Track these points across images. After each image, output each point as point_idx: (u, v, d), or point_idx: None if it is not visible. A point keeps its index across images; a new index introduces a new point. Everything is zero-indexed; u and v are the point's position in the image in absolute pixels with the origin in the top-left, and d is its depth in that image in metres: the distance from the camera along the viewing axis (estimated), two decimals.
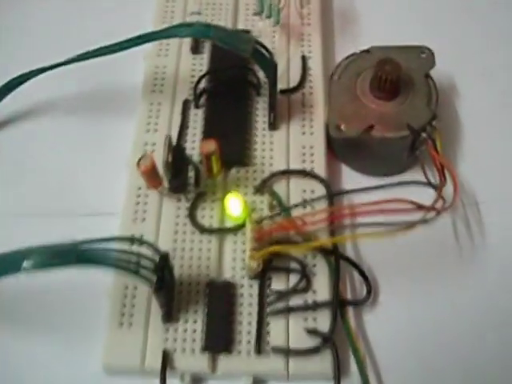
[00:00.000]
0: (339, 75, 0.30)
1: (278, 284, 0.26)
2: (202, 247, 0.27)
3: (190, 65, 0.33)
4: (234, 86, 0.31)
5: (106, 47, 0.27)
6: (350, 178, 0.30)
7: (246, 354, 0.25)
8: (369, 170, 0.30)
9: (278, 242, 0.26)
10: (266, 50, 0.27)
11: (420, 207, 0.24)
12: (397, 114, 0.28)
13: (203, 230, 0.28)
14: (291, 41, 0.33)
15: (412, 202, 0.24)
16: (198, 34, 0.25)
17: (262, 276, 0.26)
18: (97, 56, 0.27)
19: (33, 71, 0.30)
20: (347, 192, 0.28)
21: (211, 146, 0.26)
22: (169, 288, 0.25)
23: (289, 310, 0.26)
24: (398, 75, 0.27)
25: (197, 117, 0.31)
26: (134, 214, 0.28)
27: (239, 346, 0.25)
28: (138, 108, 0.31)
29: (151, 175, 0.26)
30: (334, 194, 0.28)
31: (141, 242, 0.24)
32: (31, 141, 0.32)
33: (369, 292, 0.27)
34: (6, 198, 0.31)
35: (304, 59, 0.32)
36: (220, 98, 0.31)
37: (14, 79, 0.31)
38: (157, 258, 0.23)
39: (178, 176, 0.27)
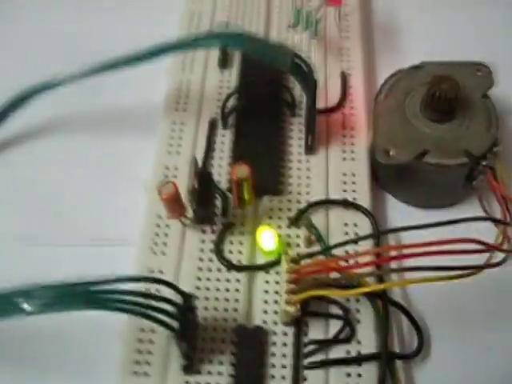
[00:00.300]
0: (385, 94, 0.27)
1: (316, 332, 0.23)
2: (229, 287, 0.24)
3: (217, 81, 0.30)
4: (266, 104, 0.28)
5: (123, 59, 0.24)
6: (396, 209, 0.27)
7: None
8: (417, 200, 0.27)
9: (318, 283, 0.22)
10: (306, 64, 0.24)
11: (489, 247, 0.21)
12: (453, 138, 0.25)
13: (231, 266, 0.24)
14: (329, 56, 0.30)
15: (480, 242, 0.20)
16: (231, 44, 0.23)
17: (298, 322, 0.23)
18: (113, 69, 0.25)
19: (46, 84, 0.27)
20: (397, 230, 0.24)
21: (243, 171, 0.22)
22: (192, 335, 0.22)
23: (329, 363, 0.22)
24: (456, 94, 0.24)
25: (224, 138, 0.28)
26: (152, 245, 0.25)
27: None
28: (159, 127, 0.29)
29: (174, 203, 0.23)
30: (382, 232, 0.25)
31: (160, 281, 0.21)
32: (42, 161, 0.30)
33: (420, 344, 0.23)
34: (14, 223, 0.28)
35: (344, 76, 0.29)
36: (250, 118, 0.28)
37: (26, 92, 0.28)
38: (178, 300, 0.20)
39: (204, 205, 0.24)
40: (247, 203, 0.24)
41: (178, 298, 0.21)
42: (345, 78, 0.29)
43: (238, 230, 0.25)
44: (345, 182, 0.27)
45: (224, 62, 0.30)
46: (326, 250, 0.24)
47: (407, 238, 0.25)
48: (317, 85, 0.25)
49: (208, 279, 0.24)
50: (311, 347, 0.23)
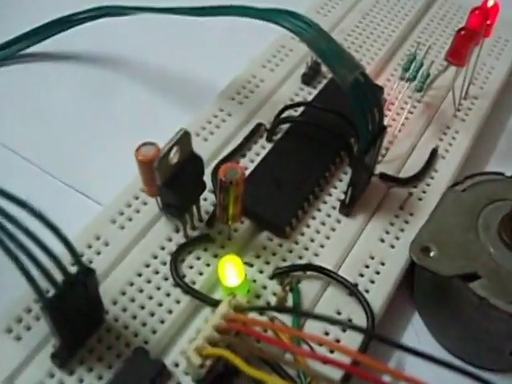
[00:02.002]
0: (465, 188, 0.21)
1: None
2: (164, 302, 0.20)
3: (291, 92, 0.26)
4: (322, 135, 0.24)
5: (194, 8, 0.22)
6: (423, 340, 0.21)
7: None
8: (447, 340, 0.21)
9: (246, 350, 0.17)
10: (376, 97, 0.20)
11: None
12: None
13: (179, 282, 0.20)
14: (430, 124, 0.26)
15: None
16: (294, 26, 0.19)
17: None
18: (180, 13, 0.22)
19: (130, 8, 0.26)
20: (396, 345, 0.18)
21: (236, 172, 0.18)
22: (72, 319, 0.18)
23: None
24: None
25: (261, 150, 0.24)
26: (115, 214, 0.22)
27: None
28: (204, 108, 0.25)
29: (150, 173, 0.19)
30: (374, 336, 0.19)
31: (58, 234, 0.16)
32: (75, 86, 0.29)
33: None
34: (20, 133, 0.27)
35: (434, 154, 0.24)
36: (298, 142, 0.24)
37: (109, 8, 0.27)
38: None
39: (173, 189, 0.19)
40: (230, 218, 0.20)
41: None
42: (434, 157, 0.24)
43: (213, 248, 0.21)
44: (367, 266, 0.21)
45: (308, 78, 0.26)
46: (297, 320, 0.19)
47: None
48: (383, 131, 0.21)
49: (148, 281, 0.20)
50: None
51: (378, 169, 0.24)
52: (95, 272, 0.17)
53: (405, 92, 0.25)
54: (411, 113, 0.26)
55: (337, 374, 0.18)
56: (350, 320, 0.20)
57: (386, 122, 0.25)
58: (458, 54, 0.24)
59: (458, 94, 0.26)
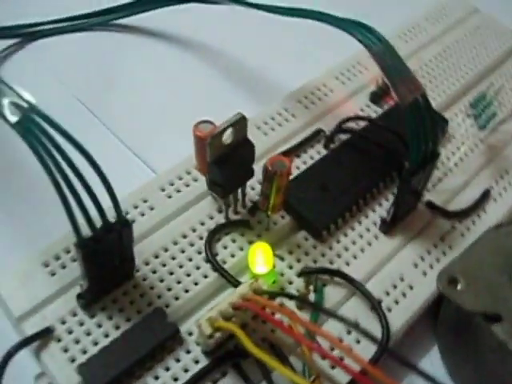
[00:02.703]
0: (508, 232, 0.21)
1: None
2: (192, 273, 0.21)
3: (357, 107, 0.27)
4: (378, 153, 0.24)
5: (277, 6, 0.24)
6: (437, 373, 0.21)
7: None
8: (463, 382, 0.21)
9: (256, 330, 0.18)
10: (433, 123, 0.20)
11: None
12: None
13: (211, 259, 0.21)
14: (489, 165, 0.26)
15: None
16: (365, 38, 0.19)
17: (215, 364, 0.19)
18: (264, 10, 0.24)
19: None
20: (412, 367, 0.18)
21: (284, 164, 0.19)
22: (103, 266, 0.19)
23: None
24: None
25: (315, 155, 0.25)
26: (165, 184, 0.23)
27: None
28: (271, 104, 0.26)
29: (203, 149, 0.20)
30: (388, 350, 0.19)
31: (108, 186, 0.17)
32: (160, 61, 0.31)
33: None
34: (97, 94, 0.29)
35: (486, 195, 0.24)
36: (352, 154, 0.24)
37: None
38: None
39: (220, 169, 0.20)
40: (270, 209, 0.21)
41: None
42: (485, 197, 0.24)
43: (250, 235, 0.22)
44: (394, 286, 0.21)
45: (376, 98, 0.27)
46: (315, 314, 0.19)
47: None
48: (436, 158, 0.21)
49: (182, 251, 0.21)
50: None
51: (427, 197, 0.24)
52: (132, 226, 0.18)
53: (468, 129, 0.26)
54: (472, 150, 0.26)
55: (343, 379, 0.19)
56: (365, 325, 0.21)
57: (444, 154, 0.25)
58: None
59: None
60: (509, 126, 0.26)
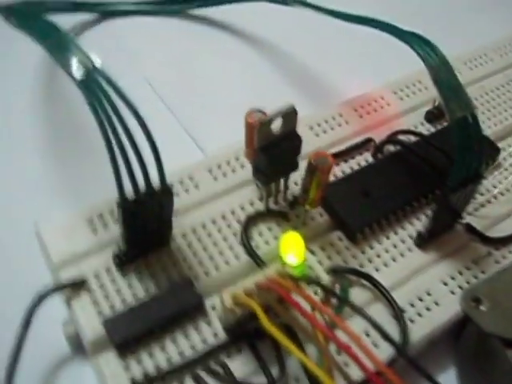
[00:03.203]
0: None
1: (241, 362, 0.19)
2: (225, 253, 0.21)
3: (410, 124, 0.27)
4: (424, 169, 0.24)
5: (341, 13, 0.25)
6: None
7: None
8: None
9: (278, 311, 0.18)
10: (480, 143, 0.20)
11: None
12: None
13: (245, 243, 0.22)
14: None
15: None
16: (422, 51, 0.20)
17: (234, 340, 0.19)
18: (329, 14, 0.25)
19: None
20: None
21: (326, 160, 0.20)
22: (141, 229, 0.20)
23: None
24: None
25: (362, 161, 0.25)
26: (214, 166, 0.24)
27: None
28: (326, 108, 0.27)
29: (252, 136, 0.20)
30: (405, 356, 0.19)
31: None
32: (225, 51, 0.33)
33: None
34: (162, 74, 0.31)
35: None
36: (398, 166, 0.24)
37: None
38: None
39: (265, 157, 0.21)
40: (309, 202, 0.21)
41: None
42: None
43: (286, 227, 0.22)
44: (420, 299, 0.21)
45: (431, 117, 0.27)
46: (342, 306, 0.20)
47: None
48: (477, 183, 0.21)
49: (219, 230, 0.22)
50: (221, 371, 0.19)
51: (467, 219, 0.24)
52: (173, 195, 0.19)
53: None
54: None
55: (355, 376, 0.19)
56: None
57: (492, 182, 0.25)
58: None
59: None
60: None
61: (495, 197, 0.25)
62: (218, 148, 0.25)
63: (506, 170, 0.26)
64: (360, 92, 0.28)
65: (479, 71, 0.30)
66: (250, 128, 0.21)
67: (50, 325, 0.20)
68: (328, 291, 0.20)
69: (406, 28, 0.23)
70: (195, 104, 0.29)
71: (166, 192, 0.19)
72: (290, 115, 0.20)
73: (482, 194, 0.25)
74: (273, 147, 0.21)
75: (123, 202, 0.18)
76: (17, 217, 0.24)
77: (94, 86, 0.18)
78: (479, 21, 0.36)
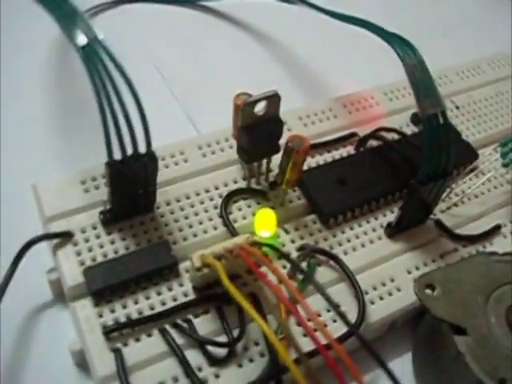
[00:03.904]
0: (499, 260, 0.22)
1: (204, 322, 0.21)
2: (205, 223, 0.23)
3: (397, 124, 0.28)
4: (402, 165, 0.26)
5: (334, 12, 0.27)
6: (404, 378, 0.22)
7: None
8: None
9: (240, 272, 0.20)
10: (449, 140, 0.22)
11: None
12: None
13: (223, 215, 0.23)
14: (510, 205, 0.26)
15: None
16: (401, 50, 0.21)
17: (200, 300, 0.21)
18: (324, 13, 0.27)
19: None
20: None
21: (301, 143, 0.21)
22: (126, 190, 0.21)
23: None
24: None
25: (345, 153, 0.26)
26: (204, 144, 0.25)
27: None
28: (317, 101, 0.29)
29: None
30: (357, 336, 0.21)
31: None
32: (232, 42, 0.35)
33: None
34: (169, 58, 0.33)
35: (496, 229, 0.25)
36: (377, 160, 0.26)
37: None
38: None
39: (248, 136, 0.22)
40: (285, 183, 0.23)
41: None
42: (494, 231, 0.25)
43: (264, 205, 0.24)
44: (383, 284, 0.23)
45: (417, 120, 0.28)
46: (305, 280, 0.21)
47: None
48: (446, 179, 0.22)
49: (201, 202, 0.24)
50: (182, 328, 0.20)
51: (439, 216, 0.25)
52: (157, 161, 0.21)
53: (496, 167, 0.27)
54: (496, 188, 0.27)
55: (306, 347, 0.20)
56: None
57: (468, 184, 0.27)
58: None
59: None
60: None
61: (469, 198, 0.26)
62: (212, 129, 0.26)
63: (484, 174, 0.27)
64: (352, 90, 0.29)
65: (470, 81, 0.31)
66: (236, 109, 0.23)
67: (37, 273, 0.22)
68: (294, 265, 0.22)
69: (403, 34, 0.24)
70: (196, 88, 0.31)
71: (151, 157, 0.21)
72: (273, 99, 0.22)
73: (456, 195, 0.26)
74: (255, 128, 0.22)
75: (111, 161, 0.20)
76: (19, 173, 0.25)
77: (94, 55, 0.19)
78: (477, 35, 0.38)
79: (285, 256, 0.22)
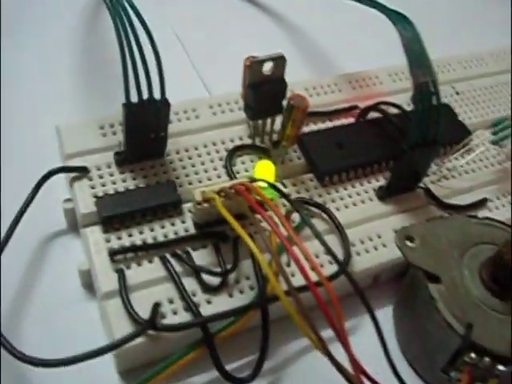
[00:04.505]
0: (477, 223, 0.24)
1: (201, 255, 0.23)
2: (209, 172, 0.25)
3: (397, 101, 0.30)
4: (399, 137, 0.27)
5: None
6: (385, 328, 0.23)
7: None
8: (403, 338, 0.24)
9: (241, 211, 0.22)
10: (439, 112, 0.23)
11: None
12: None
13: (226, 165, 0.25)
14: (498, 183, 0.28)
15: None
16: (400, 23, 0.24)
17: (199, 235, 0.23)
18: None
19: None
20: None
21: (302, 102, 0.23)
22: (140, 133, 0.23)
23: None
24: None
25: (345, 122, 0.28)
26: (215, 104, 0.28)
27: None
28: (325, 76, 0.31)
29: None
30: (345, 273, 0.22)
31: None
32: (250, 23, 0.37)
33: None
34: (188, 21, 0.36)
35: (482, 202, 0.27)
36: (376, 130, 0.28)
37: None
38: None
39: (254, 93, 0.24)
40: (285, 139, 0.25)
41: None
42: (480, 204, 0.27)
43: (267, 160, 0.26)
44: (370, 239, 0.25)
45: None
46: (301, 224, 0.23)
47: None
48: (435, 148, 0.24)
49: (208, 153, 0.26)
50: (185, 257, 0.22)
51: (430, 187, 0.27)
52: (170, 107, 0.23)
53: (488, 146, 0.29)
54: (487, 167, 0.29)
55: (297, 283, 0.21)
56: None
57: (462, 161, 0.28)
58: None
59: None
60: None
61: (460, 174, 0.28)
62: (224, 91, 0.29)
63: (477, 155, 0.29)
64: (358, 69, 0.31)
65: (472, 71, 0.33)
66: (246, 70, 0.25)
67: (54, 204, 0.24)
68: (292, 204, 0.23)
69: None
70: (212, 54, 0.34)
71: (164, 102, 0.23)
72: (279, 61, 0.24)
73: (448, 170, 0.28)
74: (261, 85, 0.24)
75: (127, 103, 0.22)
76: (45, 115, 0.28)
77: (118, 4, 0.22)
78: (485, 27, 0.40)
79: (284, 195, 0.23)
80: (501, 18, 0.40)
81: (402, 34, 0.24)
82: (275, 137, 0.27)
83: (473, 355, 0.21)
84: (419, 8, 0.38)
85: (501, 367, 0.20)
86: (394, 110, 0.29)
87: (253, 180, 0.22)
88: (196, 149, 0.26)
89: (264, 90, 0.24)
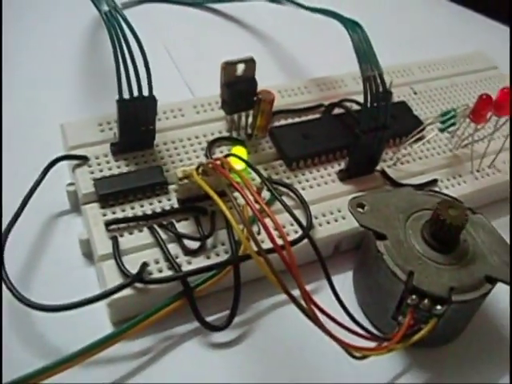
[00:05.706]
0: (423, 194, 0.28)
1: (183, 226, 0.27)
2: (192, 158, 0.29)
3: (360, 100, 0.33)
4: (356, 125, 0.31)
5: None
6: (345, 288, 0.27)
7: None
8: (359, 292, 0.28)
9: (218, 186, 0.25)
10: (386, 101, 0.28)
11: None
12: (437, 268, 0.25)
13: (206, 153, 0.29)
14: (447, 167, 0.32)
15: None
16: (351, 28, 0.28)
17: (181, 209, 0.27)
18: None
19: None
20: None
21: (267, 96, 0.28)
22: (131, 125, 0.28)
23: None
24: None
25: (312, 118, 0.33)
26: (199, 105, 0.32)
27: None
28: (294, 79, 0.35)
29: None
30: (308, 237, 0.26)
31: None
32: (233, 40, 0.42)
33: None
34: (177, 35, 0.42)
35: (432, 183, 0.31)
36: (339, 123, 0.32)
37: None
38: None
39: (228, 90, 0.29)
40: (256, 129, 0.29)
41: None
42: (430, 184, 0.31)
43: (242, 147, 0.30)
44: (331, 212, 0.28)
45: None
46: (271, 198, 0.28)
47: None
48: (384, 132, 0.28)
49: (191, 144, 0.30)
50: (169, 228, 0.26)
51: (387, 170, 0.31)
52: (156, 102, 0.27)
53: (439, 135, 0.33)
54: (439, 154, 0.33)
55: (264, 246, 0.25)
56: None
57: (416, 149, 0.32)
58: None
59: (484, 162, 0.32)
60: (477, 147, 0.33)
61: (414, 159, 0.32)
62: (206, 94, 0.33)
63: (429, 143, 0.33)
64: (327, 74, 0.36)
65: (429, 74, 0.38)
66: (221, 71, 0.29)
67: (59, 189, 0.29)
68: (262, 178, 0.27)
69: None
70: (195, 63, 0.39)
71: (152, 98, 0.27)
72: (249, 63, 0.29)
73: (403, 156, 0.32)
74: (235, 84, 0.29)
75: (120, 99, 0.27)
76: (51, 114, 0.33)
77: (113, 19, 0.27)
78: (445, 37, 0.46)
79: (256, 171, 0.27)
80: (458, 28, 0.46)
81: (351, 36, 0.28)
82: (249, 131, 0.31)
83: (414, 297, 0.24)
84: (386, 21, 0.44)
85: (438, 307, 0.24)
86: (355, 107, 0.34)
87: (227, 155, 0.26)
88: (181, 141, 0.30)
89: (237, 88, 0.29)
